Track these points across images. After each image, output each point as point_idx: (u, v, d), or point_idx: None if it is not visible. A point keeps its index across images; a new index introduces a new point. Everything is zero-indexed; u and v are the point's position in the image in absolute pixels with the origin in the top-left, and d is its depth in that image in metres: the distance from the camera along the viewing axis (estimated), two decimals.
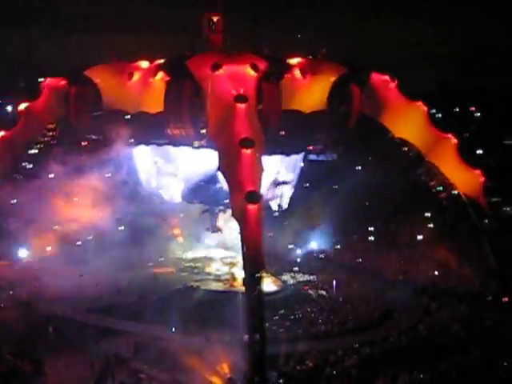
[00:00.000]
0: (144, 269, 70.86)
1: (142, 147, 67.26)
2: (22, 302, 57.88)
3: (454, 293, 64.24)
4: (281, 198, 67.60)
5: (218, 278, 69.38)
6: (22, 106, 64.03)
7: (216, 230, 74.72)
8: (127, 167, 71.87)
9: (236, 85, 52.03)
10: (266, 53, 58.93)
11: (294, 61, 59.07)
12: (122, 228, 74.78)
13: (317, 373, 45.30)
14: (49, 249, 71.69)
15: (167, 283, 67.70)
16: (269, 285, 65.06)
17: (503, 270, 64.11)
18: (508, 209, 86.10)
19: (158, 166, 69.30)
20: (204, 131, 56.27)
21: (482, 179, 64.03)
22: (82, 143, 67.61)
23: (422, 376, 43.87)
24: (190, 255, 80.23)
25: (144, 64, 59.99)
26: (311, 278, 72.70)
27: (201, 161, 62.28)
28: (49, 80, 64.02)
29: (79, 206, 68.47)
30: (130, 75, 59.44)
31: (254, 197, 44.10)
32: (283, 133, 59.20)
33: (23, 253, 68.99)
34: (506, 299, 61.32)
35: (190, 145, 60.83)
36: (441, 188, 65.85)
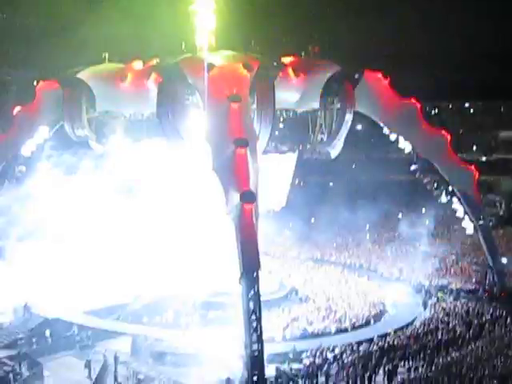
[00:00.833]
0: (138, 270, 70.79)
1: (136, 148, 67.19)
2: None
3: (451, 289, 64.57)
4: (277, 196, 67.55)
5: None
6: (16, 110, 63.93)
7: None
8: (121, 168, 71.78)
9: (229, 85, 52.01)
10: (259, 52, 58.86)
11: (286, 60, 59.06)
12: (119, 228, 74.74)
13: (315, 371, 45.45)
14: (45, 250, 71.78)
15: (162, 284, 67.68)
16: (265, 284, 65.21)
17: (499, 266, 64.36)
18: (502, 204, 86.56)
19: (153, 166, 69.17)
20: (198, 132, 56.19)
21: (477, 175, 64.15)
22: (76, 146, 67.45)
23: (420, 372, 44.02)
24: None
25: (137, 65, 59.96)
26: (308, 276, 72.89)
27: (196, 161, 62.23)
28: (41, 83, 63.88)
29: (74, 207, 68.31)
30: (123, 77, 59.35)
31: (249, 196, 44.12)
32: (277, 132, 59.20)
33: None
34: (504, 294, 61.58)
35: (184, 145, 60.79)
36: (435, 184, 65.91)
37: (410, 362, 46.44)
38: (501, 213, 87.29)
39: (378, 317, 59.08)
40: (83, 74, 60.90)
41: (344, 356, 47.75)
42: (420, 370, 44.62)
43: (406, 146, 63.81)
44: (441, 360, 46.07)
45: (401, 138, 63.61)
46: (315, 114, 60.40)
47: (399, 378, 43.90)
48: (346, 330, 55.43)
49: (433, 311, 59.84)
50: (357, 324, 56.77)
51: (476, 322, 54.79)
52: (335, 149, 62.22)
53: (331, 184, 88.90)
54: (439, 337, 51.25)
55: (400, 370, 45.07)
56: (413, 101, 63.74)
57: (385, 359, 46.69)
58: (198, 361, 45.42)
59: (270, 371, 42.99)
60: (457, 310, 58.80)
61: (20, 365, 45.85)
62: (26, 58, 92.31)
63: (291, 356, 47.53)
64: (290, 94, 58.60)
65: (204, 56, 56.90)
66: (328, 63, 60.12)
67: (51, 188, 66.76)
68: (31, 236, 67.92)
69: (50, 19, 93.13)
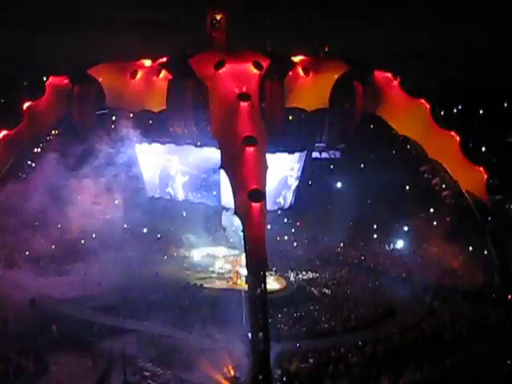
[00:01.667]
0: (147, 267, 70.96)
1: (145, 146, 67.35)
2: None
3: (458, 291, 64.36)
4: (285, 195, 67.55)
5: (221, 276, 69.46)
6: (26, 105, 64.02)
7: (219, 228, 75.01)
8: (130, 166, 71.94)
9: (239, 83, 52.01)
10: (269, 51, 58.83)
11: (296, 59, 59.03)
12: (126, 227, 75.00)
13: (320, 370, 45.45)
14: (52, 247, 72.04)
15: (170, 281, 67.83)
16: (272, 283, 65.27)
17: (507, 268, 64.15)
18: (511, 206, 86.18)
19: (161, 164, 69.30)
20: (207, 130, 56.20)
21: (485, 176, 63.98)
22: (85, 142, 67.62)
23: (425, 374, 43.95)
24: (193, 253, 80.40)
25: (147, 63, 60.00)
26: (314, 275, 72.88)
27: (205, 159, 62.31)
28: (51, 79, 64.02)
29: (82, 204, 68.41)
30: (134, 74, 59.38)
31: (258, 195, 44.13)
32: (286, 131, 59.15)
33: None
34: (510, 297, 61.38)
35: (193, 143, 60.92)
36: (444, 186, 65.82)
37: (416, 363, 46.33)
38: (509, 215, 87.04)
39: (384, 317, 59.00)
40: (93, 70, 60.98)
41: (350, 356, 47.75)
42: (425, 371, 44.54)
43: (414, 146, 63.87)
44: (447, 362, 45.95)
45: (410, 139, 63.66)
46: (324, 113, 60.28)
47: (405, 378, 43.84)
48: (352, 330, 55.41)
49: (439, 313, 59.74)
50: (363, 324, 56.75)
51: (482, 324, 54.73)
52: (344, 149, 62.24)
53: (339, 183, 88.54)
54: (445, 338, 51.22)
55: (406, 370, 44.95)
56: (422, 101, 63.67)
57: (391, 360, 46.66)
58: (204, 358, 45.38)
59: (275, 370, 42.97)
60: (463, 312, 58.70)
61: (26, 360, 46.02)
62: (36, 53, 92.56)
63: (297, 355, 47.50)
64: (299, 93, 58.58)
65: (214, 54, 56.89)
66: (338, 62, 60.07)
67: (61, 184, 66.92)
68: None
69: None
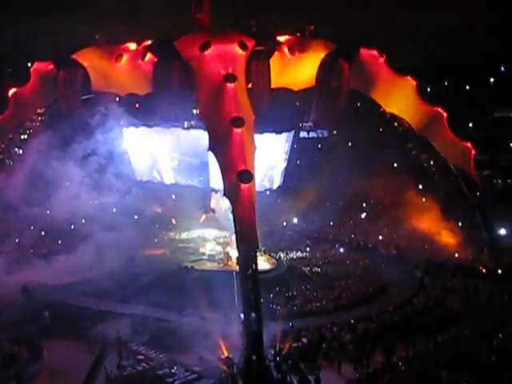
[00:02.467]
0: (138, 251, 70.90)
1: (132, 129, 67.24)
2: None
3: (448, 266, 64.69)
4: (273, 176, 67.61)
5: (212, 259, 69.50)
6: (11, 92, 63.64)
7: (209, 210, 75.11)
8: (117, 151, 71.91)
9: (225, 64, 51.80)
10: (254, 31, 58.55)
11: (282, 38, 58.73)
12: (114, 211, 74.88)
13: (313, 349, 45.64)
14: (42, 233, 71.99)
15: (161, 264, 67.88)
16: (263, 263, 65.39)
17: (496, 243, 64.49)
18: (499, 181, 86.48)
19: (149, 147, 69.25)
20: (194, 111, 56.11)
21: (473, 152, 64.15)
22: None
23: (418, 349, 44.17)
24: (183, 236, 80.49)
25: (132, 46, 59.64)
26: (305, 255, 73.12)
27: (192, 141, 62.26)
28: (36, 64, 63.54)
29: (69, 190, 68.26)
30: (119, 57, 58.93)
31: (247, 176, 44.05)
32: (273, 111, 59.04)
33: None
34: (500, 271, 61.73)
35: (181, 126, 60.83)
36: (432, 162, 66.02)
37: (409, 339, 46.54)
38: (497, 189, 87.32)
39: (376, 295, 59.26)
40: (78, 55, 60.59)
41: (342, 334, 47.95)
42: (418, 346, 44.77)
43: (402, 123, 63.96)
44: (439, 337, 46.19)
45: (397, 116, 63.73)
46: (311, 92, 60.19)
47: (397, 354, 44.06)
48: (344, 308, 55.63)
49: (430, 288, 60.02)
50: (355, 302, 57.00)
51: (473, 299, 55.05)
52: (331, 127, 62.26)
53: (327, 163, 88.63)
54: (437, 314, 51.50)
55: (399, 346, 45.17)
56: (409, 78, 63.67)
57: (383, 337, 46.89)
58: (197, 340, 45.48)
59: (268, 350, 43.11)
60: (454, 287, 59.03)
61: (20, 346, 46.02)
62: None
63: (290, 335, 47.65)
64: (285, 73, 58.45)
65: (199, 35, 56.63)
66: (323, 41, 59.87)
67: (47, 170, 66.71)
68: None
69: None
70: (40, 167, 65.41)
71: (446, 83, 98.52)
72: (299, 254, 73.49)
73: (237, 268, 45.38)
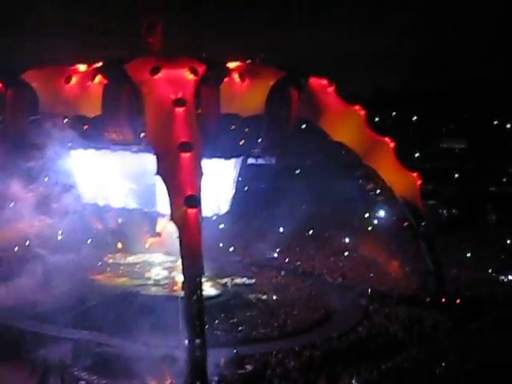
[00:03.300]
0: (82, 275, 69.98)
1: (80, 152, 66.58)
2: None
3: (392, 295, 65.10)
4: (221, 201, 67.48)
5: (157, 283, 68.96)
6: None
7: (155, 234, 74.63)
8: (63, 173, 71.06)
9: (175, 89, 51.78)
10: (205, 57, 58.67)
11: (232, 65, 58.94)
12: (59, 233, 74.01)
13: (258, 376, 45.45)
14: None
15: (106, 289, 67.13)
16: (208, 289, 65.08)
17: (440, 272, 65.08)
18: (444, 211, 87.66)
19: (96, 170, 68.62)
20: (142, 135, 55.85)
21: (419, 182, 64.85)
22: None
23: (362, 377, 44.26)
24: (129, 260, 79.77)
25: (82, 67, 59.27)
26: (251, 281, 72.95)
27: (140, 165, 61.87)
28: None
29: (13, 212, 67.34)
30: (68, 79, 58.58)
31: (194, 201, 44.06)
32: (222, 137, 59.07)
33: None
34: (444, 300, 62.28)
35: (129, 149, 60.43)
36: (378, 191, 66.60)
37: (353, 367, 46.62)
38: (442, 219, 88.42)
39: (320, 322, 59.31)
40: (27, 75, 60.03)
41: (287, 361, 47.84)
42: (362, 374, 44.86)
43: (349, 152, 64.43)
44: (383, 365, 46.35)
45: (344, 145, 64.23)
46: (260, 119, 60.37)
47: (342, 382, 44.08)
48: (289, 335, 55.56)
49: (375, 316, 60.29)
50: (300, 329, 56.96)
51: (417, 327, 55.41)
52: (279, 155, 62.42)
53: (274, 190, 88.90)
54: (381, 342, 51.70)
55: (343, 374, 45.18)
56: (357, 107, 64.25)
57: (328, 364, 46.90)
58: (140, 366, 44.97)
59: (213, 377, 42.83)
60: (398, 315, 59.37)
61: None
62: None
63: (234, 361, 47.43)
64: (235, 99, 58.59)
65: (150, 59, 56.54)
66: (273, 69, 60.21)
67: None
68: None
69: None
70: None
71: (394, 113, 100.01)
72: (245, 280, 73.24)
73: (182, 293, 45.01)
